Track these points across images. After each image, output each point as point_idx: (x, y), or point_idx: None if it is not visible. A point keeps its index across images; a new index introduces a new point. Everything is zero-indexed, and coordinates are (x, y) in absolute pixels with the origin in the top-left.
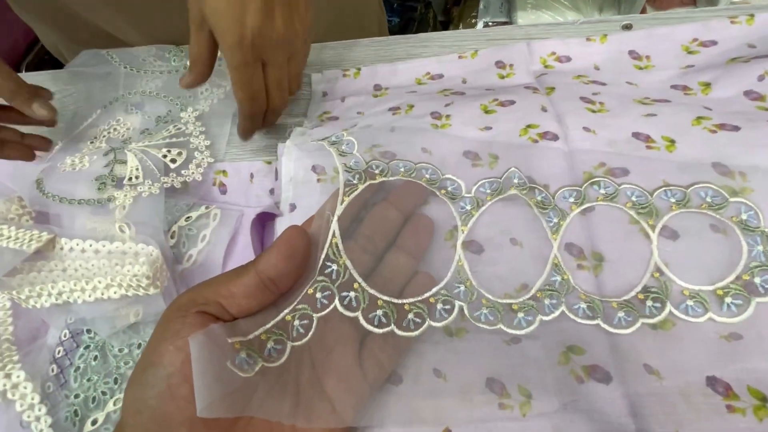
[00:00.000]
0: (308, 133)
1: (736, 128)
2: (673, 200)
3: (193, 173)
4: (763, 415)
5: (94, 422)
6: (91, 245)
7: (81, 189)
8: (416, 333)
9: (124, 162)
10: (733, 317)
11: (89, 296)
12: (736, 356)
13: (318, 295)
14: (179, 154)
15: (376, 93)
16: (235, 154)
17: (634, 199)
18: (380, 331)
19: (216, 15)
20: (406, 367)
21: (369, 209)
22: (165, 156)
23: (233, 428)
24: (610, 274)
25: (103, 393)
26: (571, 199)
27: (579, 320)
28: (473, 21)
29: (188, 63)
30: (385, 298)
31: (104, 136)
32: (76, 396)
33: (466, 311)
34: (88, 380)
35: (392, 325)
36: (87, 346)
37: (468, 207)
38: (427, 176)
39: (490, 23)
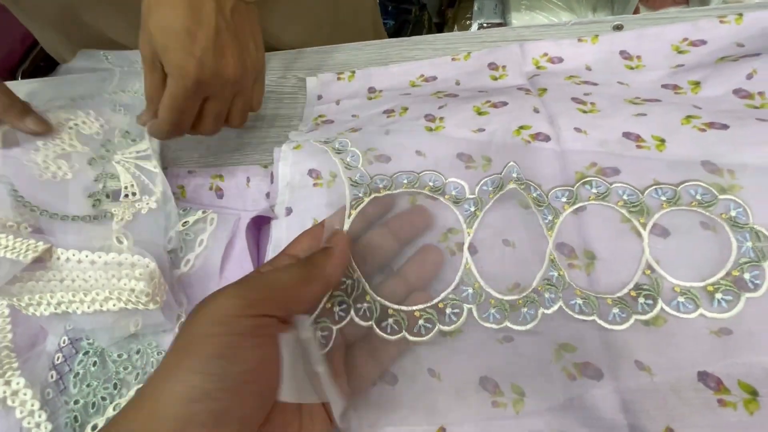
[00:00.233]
0: (304, 137)
1: (725, 126)
2: (663, 198)
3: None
4: (754, 409)
5: (94, 428)
6: (87, 256)
7: (72, 205)
8: (427, 338)
9: (115, 176)
10: (724, 313)
11: (88, 308)
12: (727, 351)
13: (336, 308)
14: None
15: (371, 95)
16: (231, 159)
17: (625, 197)
18: (393, 338)
19: (166, 51)
20: (402, 367)
21: (372, 228)
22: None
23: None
24: (602, 272)
25: (103, 398)
26: (564, 199)
27: (576, 316)
28: (468, 23)
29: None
30: (396, 306)
31: (72, 129)
32: (76, 402)
33: (474, 313)
34: (88, 386)
35: (404, 331)
36: (86, 352)
37: (472, 209)
38: (431, 184)
39: (485, 24)
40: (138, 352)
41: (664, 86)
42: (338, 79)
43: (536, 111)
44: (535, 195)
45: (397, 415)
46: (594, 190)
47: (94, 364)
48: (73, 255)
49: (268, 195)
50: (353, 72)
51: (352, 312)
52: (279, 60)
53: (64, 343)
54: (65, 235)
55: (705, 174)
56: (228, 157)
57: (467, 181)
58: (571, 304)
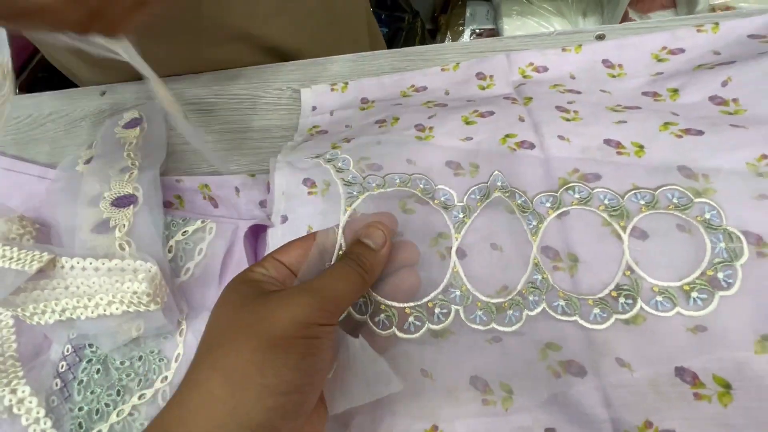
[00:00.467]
0: (299, 148)
1: (701, 132)
2: (642, 202)
3: None
4: (727, 401)
5: None
6: (91, 263)
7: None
8: (416, 335)
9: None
10: (699, 311)
11: (92, 312)
12: (702, 347)
13: None
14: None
15: (363, 106)
16: (228, 169)
17: (606, 202)
18: (384, 333)
19: None
20: (395, 367)
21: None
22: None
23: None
24: (584, 273)
25: (107, 405)
26: (548, 204)
27: (558, 317)
28: (460, 29)
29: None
30: (388, 302)
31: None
32: (80, 409)
33: (462, 314)
34: (92, 393)
35: (393, 327)
36: (89, 360)
37: (461, 215)
38: (422, 186)
39: (477, 30)
40: (140, 358)
41: (645, 93)
42: (332, 90)
43: (521, 120)
44: (519, 202)
45: (392, 413)
46: (577, 196)
47: (98, 371)
48: (78, 263)
49: (261, 203)
50: (346, 83)
51: (350, 308)
52: (274, 72)
53: (67, 351)
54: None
55: (681, 178)
56: (224, 167)
57: (455, 188)
58: (554, 305)
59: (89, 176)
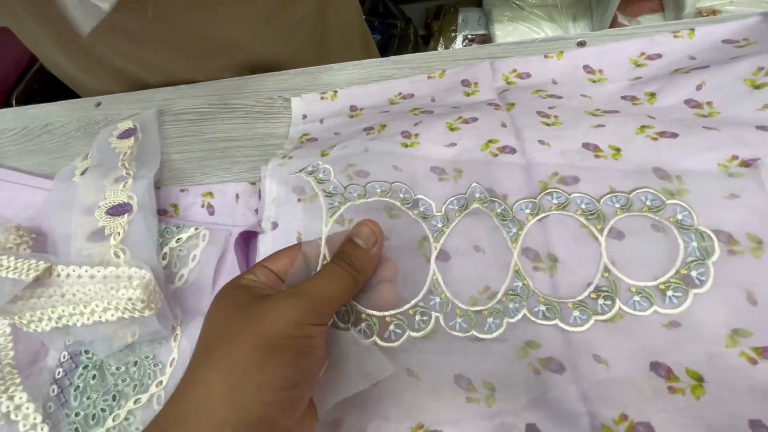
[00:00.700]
0: (289, 155)
1: (675, 135)
2: (617, 205)
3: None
4: (700, 394)
5: None
6: (86, 271)
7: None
8: (397, 344)
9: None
10: (675, 308)
11: (88, 319)
12: (677, 343)
13: None
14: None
15: (352, 114)
16: (221, 177)
17: (583, 206)
18: (366, 342)
19: None
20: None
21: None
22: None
23: None
24: (563, 273)
25: (102, 410)
26: (527, 210)
27: (539, 321)
28: (453, 35)
29: None
30: (369, 311)
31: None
32: (77, 414)
33: (441, 321)
34: (88, 398)
35: (374, 336)
36: (85, 366)
37: (439, 225)
38: (402, 195)
39: (469, 36)
40: (135, 364)
41: (623, 98)
42: (322, 98)
43: (504, 125)
44: (499, 211)
45: (378, 414)
46: (555, 201)
47: (94, 377)
48: (73, 271)
49: (256, 211)
50: (336, 91)
51: (334, 315)
52: (265, 81)
53: (64, 358)
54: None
55: (656, 180)
56: (219, 176)
57: (437, 197)
58: (534, 311)
59: (85, 186)
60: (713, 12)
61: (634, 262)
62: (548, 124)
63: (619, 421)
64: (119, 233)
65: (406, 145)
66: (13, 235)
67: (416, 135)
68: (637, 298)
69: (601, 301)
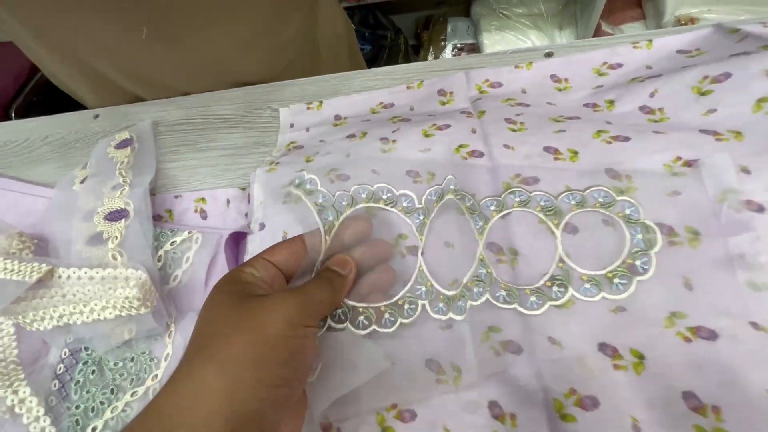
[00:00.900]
0: (276, 161)
1: (628, 139)
2: (573, 202)
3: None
4: (641, 370)
5: (93, 429)
6: (86, 273)
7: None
8: (392, 330)
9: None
10: (620, 294)
11: (87, 317)
12: (622, 325)
13: None
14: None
15: (336, 122)
16: (213, 183)
17: (542, 204)
18: (365, 332)
19: None
20: (360, 357)
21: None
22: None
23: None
24: (524, 265)
25: (101, 403)
26: (492, 207)
27: (500, 305)
28: (442, 44)
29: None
30: (365, 304)
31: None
32: (77, 407)
33: (428, 307)
34: (87, 392)
35: (373, 325)
36: (85, 362)
37: (422, 217)
38: (385, 197)
39: (459, 45)
40: (132, 359)
41: (586, 105)
42: (308, 108)
43: (474, 131)
44: (468, 204)
45: (359, 396)
46: (517, 199)
47: (93, 372)
48: (74, 272)
49: (247, 215)
50: (321, 102)
51: (329, 320)
52: (256, 94)
53: (65, 354)
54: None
55: (608, 179)
56: (211, 182)
57: (415, 193)
58: (496, 295)
59: (84, 194)
60: (691, 20)
61: (585, 254)
62: (514, 130)
63: (568, 394)
64: (116, 237)
65: (385, 151)
66: (16, 241)
67: (394, 141)
68: (587, 285)
69: (555, 288)
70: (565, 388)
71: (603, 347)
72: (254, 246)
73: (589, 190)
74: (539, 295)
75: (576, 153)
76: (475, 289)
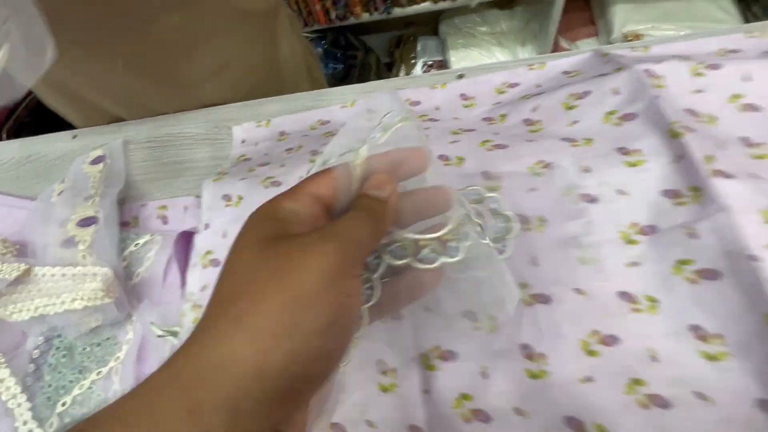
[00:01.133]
0: (224, 172)
1: (505, 146)
2: None
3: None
4: (494, 328)
5: (63, 404)
6: (59, 270)
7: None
8: (459, 257)
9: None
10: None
11: (59, 308)
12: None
13: (369, 258)
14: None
15: (280, 138)
16: (174, 192)
17: None
18: (433, 265)
19: None
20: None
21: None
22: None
23: None
24: None
25: (70, 381)
26: None
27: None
28: (413, 61)
29: None
30: (428, 236)
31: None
32: (49, 386)
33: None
34: (59, 373)
35: (440, 257)
36: (57, 347)
37: None
38: None
39: (428, 62)
40: (98, 344)
41: (484, 119)
42: (258, 126)
43: None
44: None
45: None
46: None
47: (64, 356)
48: (48, 271)
49: None
50: (269, 120)
51: (386, 256)
52: (214, 114)
53: (40, 341)
54: (45, 253)
55: (481, 180)
56: (172, 192)
57: None
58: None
59: (60, 205)
60: (636, 36)
61: None
62: None
63: (433, 349)
64: (86, 240)
65: (312, 161)
66: (0, 246)
67: (320, 152)
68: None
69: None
70: (432, 345)
71: (468, 314)
72: (200, 243)
73: (465, 190)
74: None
75: (462, 159)
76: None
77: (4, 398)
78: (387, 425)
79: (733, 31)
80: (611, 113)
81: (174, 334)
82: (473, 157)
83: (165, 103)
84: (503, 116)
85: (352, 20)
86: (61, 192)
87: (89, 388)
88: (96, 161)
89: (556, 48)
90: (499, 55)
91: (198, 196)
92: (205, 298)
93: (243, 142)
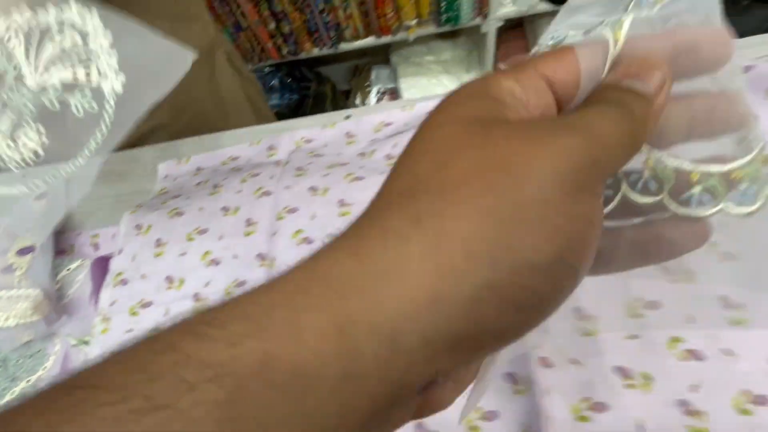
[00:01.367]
0: (141, 204)
1: (362, 178)
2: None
3: None
4: None
5: None
6: None
7: None
8: (755, 207)
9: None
10: None
11: None
12: None
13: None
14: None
15: (196, 173)
16: (106, 222)
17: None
18: (707, 213)
19: None
20: None
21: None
22: None
23: None
24: None
25: (3, 389)
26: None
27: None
28: (368, 89)
29: None
30: (705, 167)
31: None
32: None
33: None
34: None
35: (722, 201)
36: None
37: None
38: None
39: (382, 89)
40: (30, 356)
41: (359, 154)
42: (179, 163)
43: (272, 177)
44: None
45: None
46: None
47: (0, 366)
48: None
49: None
50: (189, 157)
51: (624, 186)
52: (145, 153)
53: None
54: None
55: (338, 208)
56: (104, 222)
57: (224, 227)
58: None
59: (1, 236)
60: None
61: None
62: (298, 175)
63: None
64: (23, 267)
65: (212, 194)
66: None
67: (221, 186)
68: None
69: None
70: None
71: None
72: (113, 265)
73: (324, 216)
74: None
75: (327, 190)
76: None
77: None
78: None
79: None
80: None
81: (86, 342)
82: (337, 188)
83: None
84: (372, 152)
85: (303, 55)
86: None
87: (19, 395)
88: (41, 197)
89: None
90: (446, 81)
91: None
92: (113, 312)
93: (165, 177)
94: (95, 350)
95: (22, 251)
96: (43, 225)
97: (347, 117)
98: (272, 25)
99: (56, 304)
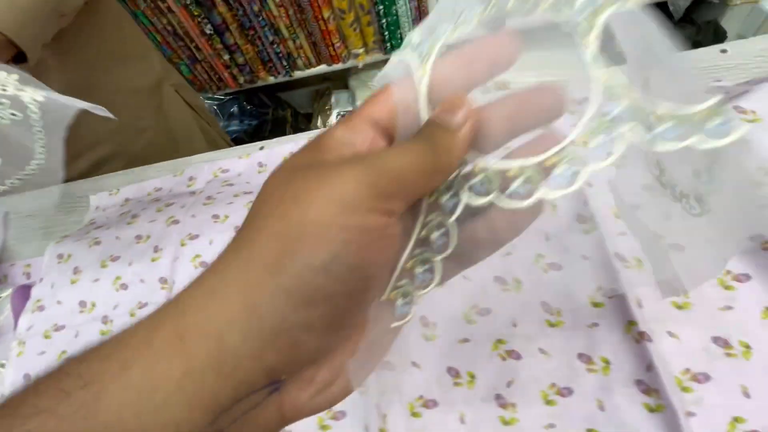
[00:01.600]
0: (67, 235)
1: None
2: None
3: None
4: None
5: None
6: None
7: None
8: (571, 189)
9: None
10: None
11: None
12: None
13: (443, 198)
14: None
15: (123, 204)
16: (39, 252)
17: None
18: (526, 202)
19: None
20: None
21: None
22: None
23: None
24: None
25: None
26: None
27: None
28: (328, 112)
29: None
30: (521, 162)
31: None
32: None
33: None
34: None
35: (539, 186)
36: None
37: None
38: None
39: (342, 113)
40: None
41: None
42: (110, 195)
43: (183, 207)
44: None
45: None
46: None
47: None
48: None
49: None
50: (118, 189)
51: (465, 193)
52: (77, 187)
53: None
54: None
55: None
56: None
57: (136, 254)
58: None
59: None
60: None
61: None
62: (205, 204)
63: None
64: None
65: (129, 223)
66: None
67: (138, 216)
68: None
69: None
70: None
71: None
72: (34, 292)
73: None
74: None
75: (227, 217)
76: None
77: None
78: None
79: None
80: None
81: (1, 365)
82: (235, 215)
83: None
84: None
85: (260, 83)
86: None
87: None
88: None
89: None
90: None
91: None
92: (29, 336)
93: (96, 208)
94: (10, 372)
95: None
96: None
97: (261, 148)
98: (226, 56)
99: None
